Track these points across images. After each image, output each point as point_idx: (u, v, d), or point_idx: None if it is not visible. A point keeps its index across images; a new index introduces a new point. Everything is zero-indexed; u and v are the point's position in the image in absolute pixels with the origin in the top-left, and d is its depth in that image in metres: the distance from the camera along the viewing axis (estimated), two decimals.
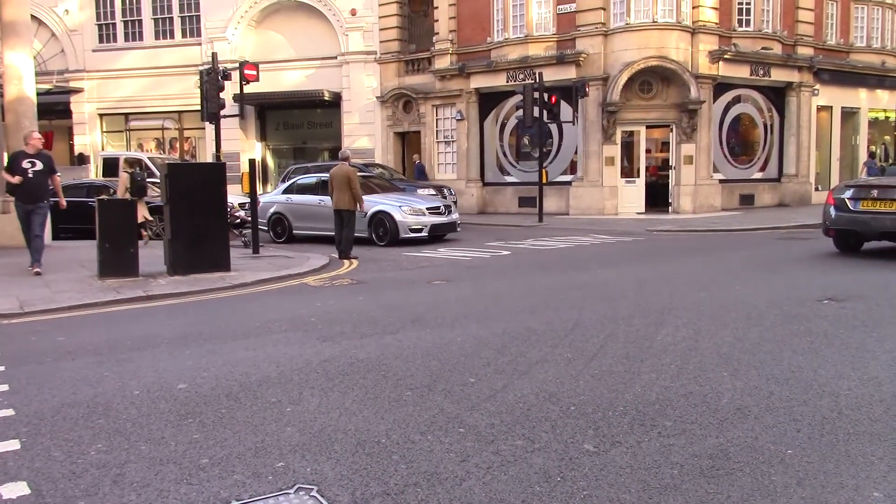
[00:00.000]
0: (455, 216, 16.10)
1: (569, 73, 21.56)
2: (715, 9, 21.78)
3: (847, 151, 26.21)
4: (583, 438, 3.92)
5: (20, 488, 3.43)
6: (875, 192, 11.24)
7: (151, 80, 27.50)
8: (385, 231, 15.05)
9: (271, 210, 16.94)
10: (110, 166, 23.32)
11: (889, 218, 10.89)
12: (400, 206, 15.11)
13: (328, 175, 14.50)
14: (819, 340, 5.99)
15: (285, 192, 17.25)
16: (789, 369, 5.16)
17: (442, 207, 15.82)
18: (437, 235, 15.70)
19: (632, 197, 22.09)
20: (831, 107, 25.17)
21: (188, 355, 5.96)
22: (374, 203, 15.12)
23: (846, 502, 3.16)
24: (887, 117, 26.42)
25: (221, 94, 16.48)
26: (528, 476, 3.45)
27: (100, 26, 28.29)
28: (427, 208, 15.45)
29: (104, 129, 29.09)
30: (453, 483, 3.39)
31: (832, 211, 11.69)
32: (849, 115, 25.95)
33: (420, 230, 15.04)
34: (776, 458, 3.61)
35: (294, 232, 16.75)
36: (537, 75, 20.07)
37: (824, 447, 3.75)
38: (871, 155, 25.50)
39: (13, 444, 3.99)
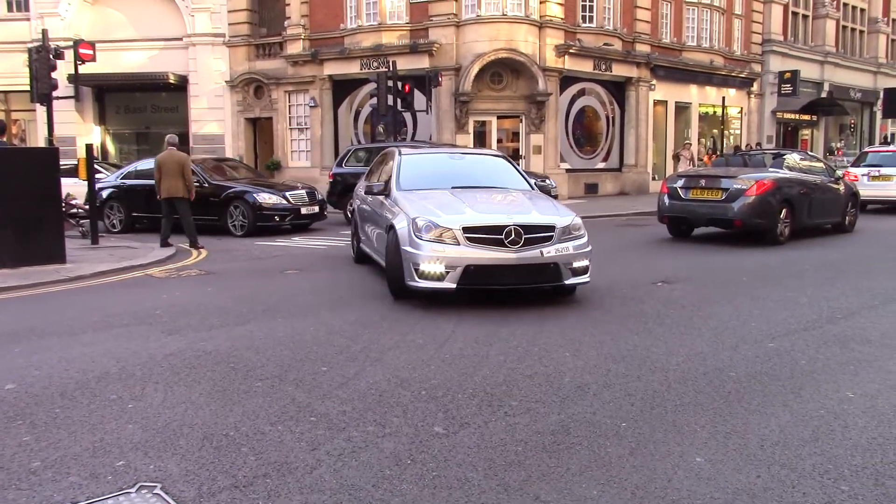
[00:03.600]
0: None
1: (422, 63, 21.73)
2: (560, 5, 22.64)
3: (680, 143, 28.05)
4: (433, 421, 4.01)
5: None
6: (703, 182, 12.14)
7: None
8: None
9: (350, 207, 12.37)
10: None
11: (715, 205, 11.80)
12: None
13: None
14: (652, 320, 6.43)
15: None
16: (626, 348, 5.50)
17: None
18: None
19: None
20: (666, 101, 26.89)
21: (17, 353, 5.55)
22: None
23: (672, 468, 3.42)
24: (715, 112, 28.53)
25: (54, 74, 15.41)
26: (380, 461, 3.50)
27: None
28: None
29: None
30: (304, 472, 3.38)
31: (665, 199, 12.53)
32: (682, 109, 27.81)
33: None
34: (612, 431, 3.86)
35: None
36: (391, 63, 20.07)
37: (654, 419, 4.05)
38: (737, 148, 27.22)
39: None
